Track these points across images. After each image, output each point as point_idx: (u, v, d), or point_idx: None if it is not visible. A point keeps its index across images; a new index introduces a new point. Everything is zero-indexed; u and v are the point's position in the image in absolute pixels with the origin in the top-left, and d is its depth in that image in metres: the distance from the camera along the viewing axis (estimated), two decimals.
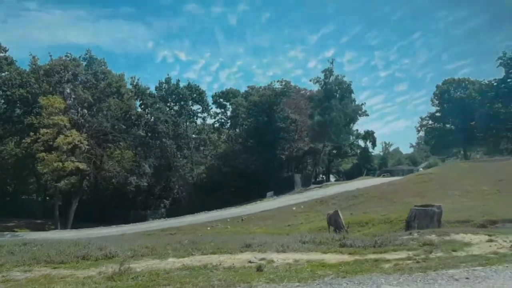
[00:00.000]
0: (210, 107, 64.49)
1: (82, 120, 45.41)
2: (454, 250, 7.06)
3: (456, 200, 30.21)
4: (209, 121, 69.77)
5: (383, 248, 7.39)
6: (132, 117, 47.86)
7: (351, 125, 73.59)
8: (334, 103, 48.20)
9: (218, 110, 73.45)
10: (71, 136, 40.31)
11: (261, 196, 49.61)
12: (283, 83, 55.46)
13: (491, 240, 7.88)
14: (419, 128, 75.08)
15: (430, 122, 74.13)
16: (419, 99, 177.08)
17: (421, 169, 57.68)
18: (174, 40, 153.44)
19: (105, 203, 53.82)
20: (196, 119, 65.28)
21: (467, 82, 70.66)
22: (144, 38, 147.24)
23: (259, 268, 6.19)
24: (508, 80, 60.38)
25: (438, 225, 11.90)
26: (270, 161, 52.59)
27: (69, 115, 44.82)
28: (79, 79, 47.85)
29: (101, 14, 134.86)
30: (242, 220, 34.80)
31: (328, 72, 52.09)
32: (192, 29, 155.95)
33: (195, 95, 64.52)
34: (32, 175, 54.50)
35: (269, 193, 50.05)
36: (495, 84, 62.25)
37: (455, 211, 26.27)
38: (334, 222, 19.15)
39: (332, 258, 6.78)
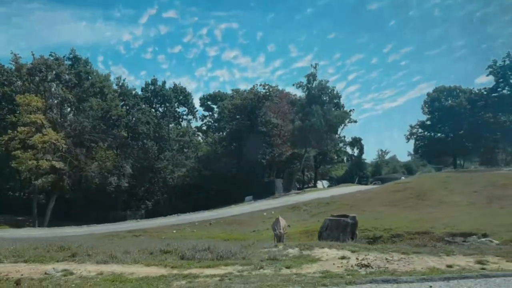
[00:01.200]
0: (195, 110, 64.49)
1: (61, 120, 45.44)
2: (288, 267, 6.71)
3: (425, 211, 29.79)
4: (197, 123, 69.86)
5: (221, 261, 7.07)
6: (113, 118, 47.83)
7: (339, 131, 73.66)
8: (315, 108, 47.86)
9: (206, 113, 73.75)
10: (48, 135, 40.42)
11: (241, 200, 49.42)
12: (266, 87, 55.36)
13: (343, 257, 7.51)
14: (408, 137, 74.41)
15: (420, 130, 73.45)
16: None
17: (403, 177, 57.08)
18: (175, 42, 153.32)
19: (86, 202, 53.81)
20: (182, 121, 65.28)
21: (458, 91, 70.03)
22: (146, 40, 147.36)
23: (18, 282, 5.84)
24: (498, 89, 59.69)
25: (352, 237, 11.51)
26: (251, 165, 52.31)
27: (48, 114, 45.03)
28: (62, 79, 47.99)
29: (98, 14, 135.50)
30: (210, 224, 34.48)
31: (311, 77, 51.80)
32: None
33: (181, 97, 64.56)
34: (15, 172, 54.74)
35: (248, 198, 49.74)
36: (484, 93, 61.59)
37: (419, 222, 25.90)
38: (274, 229, 18.82)
39: (148, 271, 6.49)
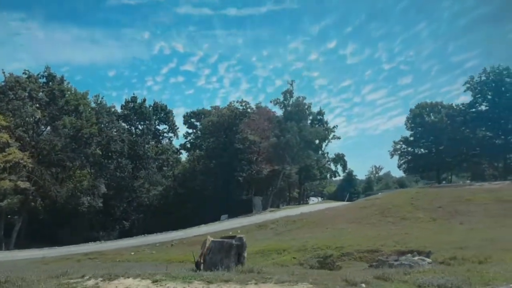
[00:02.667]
0: (176, 127, 64.01)
1: (29, 139, 44.73)
2: None
3: (386, 228, 29.06)
4: (178, 141, 69.21)
5: None
6: (85, 136, 47.15)
7: (323, 146, 73.21)
8: (290, 125, 47.44)
9: (190, 130, 73.25)
10: (12, 154, 39.61)
11: (217, 219, 48.39)
12: (243, 103, 55.13)
13: None
14: (392, 153, 73.83)
15: (404, 146, 73.01)
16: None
17: (380, 193, 56.23)
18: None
19: (60, 223, 52.46)
20: (162, 138, 64.66)
21: (440, 107, 70.03)
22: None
23: None
24: (476, 105, 59.73)
25: (238, 260, 10.51)
26: (228, 183, 51.40)
27: (18, 133, 44.36)
28: (33, 97, 47.53)
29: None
30: (172, 245, 33.40)
31: (288, 93, 51.66)
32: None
33: (161, 114, 64.24)
34: None
35: (223, 216, 48.72)
36: (463, 108, 61.58)
37: (375, 239, 25.17)
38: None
39: None
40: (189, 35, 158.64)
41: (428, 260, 15.61)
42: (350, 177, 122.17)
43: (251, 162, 52.79)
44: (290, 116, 49.35)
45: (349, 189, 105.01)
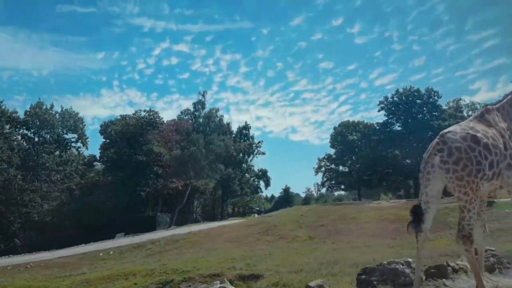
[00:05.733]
0: (86, 136, 59.26)
1: None
2: None
3: (257, 247, 27.31)
4: (91, 151, 64.10)
5: None
6: None
7: (249, 161, 71.99)
8: (196, 137, 45.31)
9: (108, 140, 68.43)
10: None
11: (112, 237, 44.54)
12: (151, 113, 52.15)
13: None
14: (317, 170, 74.20)
15: (328, 163, 73.71)
16: None
17: (280, 211, 55.29)
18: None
19: None
20: (70, 148, 59.54)
21: (361, 126, 71.89)
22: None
23: None
24: (388, 124, 61.76)
25: None
26: (130, 198, 47.70)
27: None
28: None
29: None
30: (27, 268, 29.11)
31: (199, 105, 49.74)
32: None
33: (70, 122, 59.36)
34: None
35: (119, 234, 44.93)
36: (377, 128, 63.43)
37: (228, 261, 23.21)
38: None
39: None
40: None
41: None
42: (287, 194, 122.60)
43: (159, 176, 49.60)
44: (198, 128, 47.31)
45: (285, 205, 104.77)
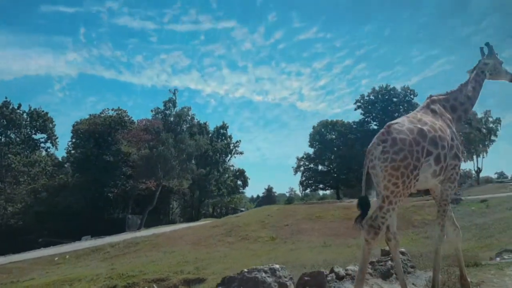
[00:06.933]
0: (55, 137, 57.33)
1: None
2: None
3: (215, 249, 26.60)
4: (61, 152, 62.11)
5: None
6: None
7: (227, 161, 70.96)
8: (165, 136, 44.05)
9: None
10: None
11: (78, 239, 43.04)
12: (119, 111, 50.71)
13: None
14: (296, 169, 73.60)
15: (306, 163, 73.18)
16: None
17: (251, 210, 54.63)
18: None
19: None
20: (38, 149, 57.58)
21: (339, 124, 71.56)
22: None
23: None
24: (364, 123, 61.58)
25: None
26: (98, 200, 46.16)
27: None
28: None
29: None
30: None
31: (170, 103, 48.45)
32: None
33: (38, 122, 57.39)
34: None
35: (85, 237, 43.43)
36: (354, 126, 63.22)
37: (179, 265, 22.50)
38: None
39: None
40: None
41: None
42: (269, 194, 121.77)
43: (128, 177, 48.12)
44: (168, 127, 46.06)
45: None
